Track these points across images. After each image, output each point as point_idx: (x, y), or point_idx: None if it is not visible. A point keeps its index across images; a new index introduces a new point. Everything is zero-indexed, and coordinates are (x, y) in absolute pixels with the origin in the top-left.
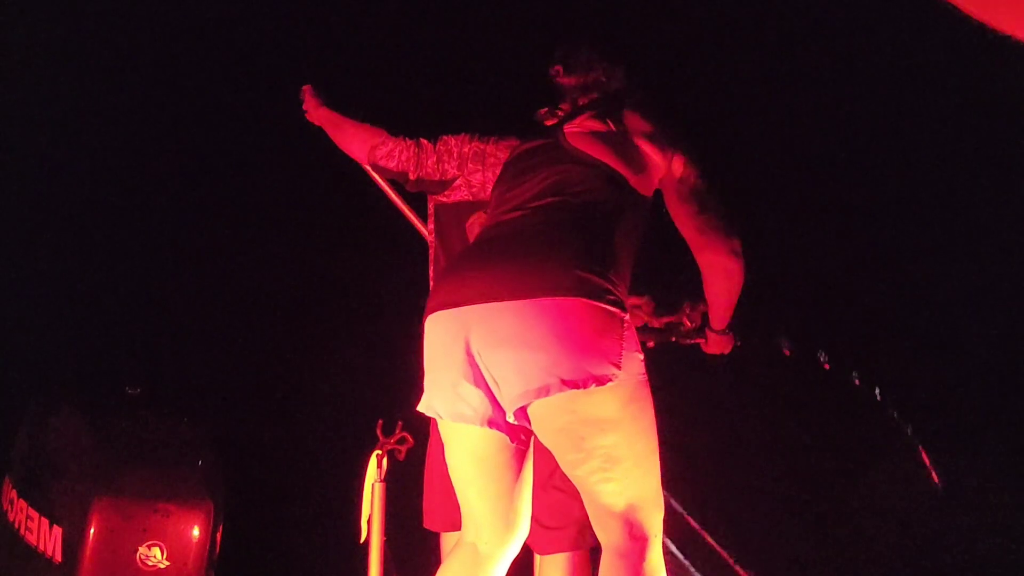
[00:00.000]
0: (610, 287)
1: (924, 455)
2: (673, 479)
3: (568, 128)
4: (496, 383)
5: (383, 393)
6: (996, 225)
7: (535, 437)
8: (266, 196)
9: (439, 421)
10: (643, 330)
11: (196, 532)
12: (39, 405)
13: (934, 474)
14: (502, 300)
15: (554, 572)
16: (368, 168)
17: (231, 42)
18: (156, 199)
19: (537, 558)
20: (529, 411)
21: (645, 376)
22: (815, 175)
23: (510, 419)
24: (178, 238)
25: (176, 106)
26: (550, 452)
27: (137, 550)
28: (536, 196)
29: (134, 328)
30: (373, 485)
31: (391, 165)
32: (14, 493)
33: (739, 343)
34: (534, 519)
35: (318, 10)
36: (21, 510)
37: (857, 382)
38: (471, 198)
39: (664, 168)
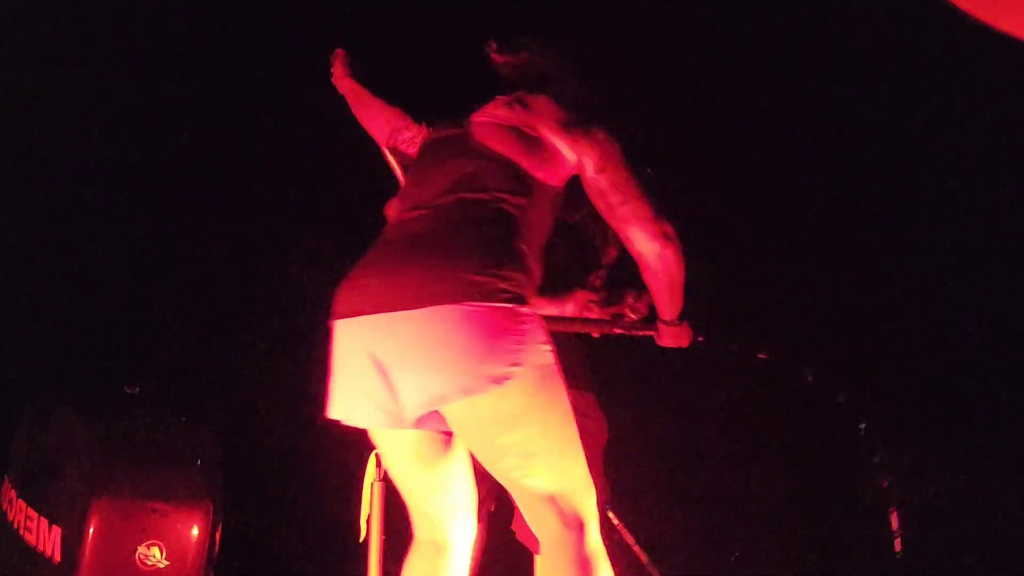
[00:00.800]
0: (504, 284)
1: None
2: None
3: (476, 118)
4: (399, 392)
5: None
6: (996, 225)
7: None
8: (266, 194)
9: (369, 430)
10: (587, 321)
11: (195, 531)
12: (38, 405)
13: (894, 518)
14: (398, 309)
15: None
16: (385, 150)
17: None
18: (155, 198)
19: (538, 558)
20: (440, 411)
21: (553, 366)
22: (812, 175)
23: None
24: (177, 237)
25: (177, 101)
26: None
27: (136, 550)
28: (438, 194)
29: (133, 328)
30: (372, 484)
31: (411, 151)
32: (13, 493)
33: (700, 338)
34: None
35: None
36: (20, 510)
37: (841, 400)
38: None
39: (575, 160)
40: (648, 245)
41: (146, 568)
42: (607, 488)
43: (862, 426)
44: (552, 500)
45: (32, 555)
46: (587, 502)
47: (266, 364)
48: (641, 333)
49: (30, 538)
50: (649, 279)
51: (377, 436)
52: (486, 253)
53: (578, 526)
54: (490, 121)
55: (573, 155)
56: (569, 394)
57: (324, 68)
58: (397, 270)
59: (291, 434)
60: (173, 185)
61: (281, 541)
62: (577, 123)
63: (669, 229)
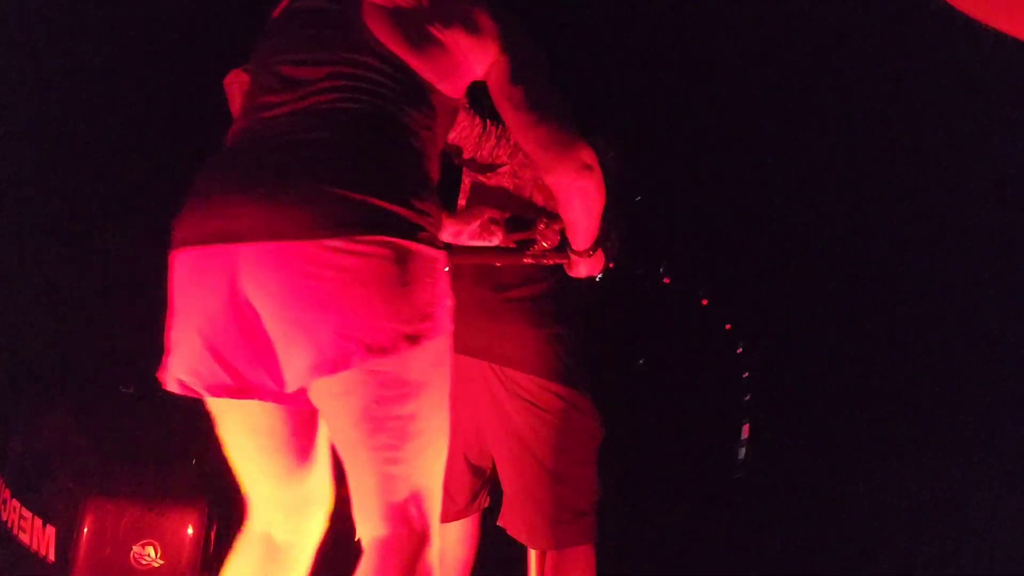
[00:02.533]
0: (421, 220)
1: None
2: None
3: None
4: (279, 348)
5: None
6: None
7: None
8: None
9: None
10: (491, 250)
11: (190, 530)
12: (32, 404)
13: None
14: (285, 240)
15: (558, 568)
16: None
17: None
18: (149, 196)
19: (532, 553)
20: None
21: (452, 330)
22: (810, 175)
23: (289, 390)
24: (170, 235)
25: (172, 100)
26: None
27: (131, 549)
28: (317, 91)
29: (127, 326)
30: None
31: (448, 136)
32: (7, 493)
33: (611, 265)
34: (536, 512)
35: None
36: (14, 510)
37: (704, 302)
38: (513, 188)
39: (482, 68)
40: (568, 176)
41: (141, 567)
42: (599, 491)
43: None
44: (406, 497)
45: (26, 555)
46: (436, 507)
47: None
48: (551, 262)
49: (24, 538)
50: (566, 209)
51: (219, 406)
52: (398, 178)
53: (424, 534)
54: (387, 5)
55: (482, 60)
56: (567, 394)
57: None
58: (277, 185)
59: None
60: (169, 181)
61: None
62: (487, 20)
63: (590, 158)
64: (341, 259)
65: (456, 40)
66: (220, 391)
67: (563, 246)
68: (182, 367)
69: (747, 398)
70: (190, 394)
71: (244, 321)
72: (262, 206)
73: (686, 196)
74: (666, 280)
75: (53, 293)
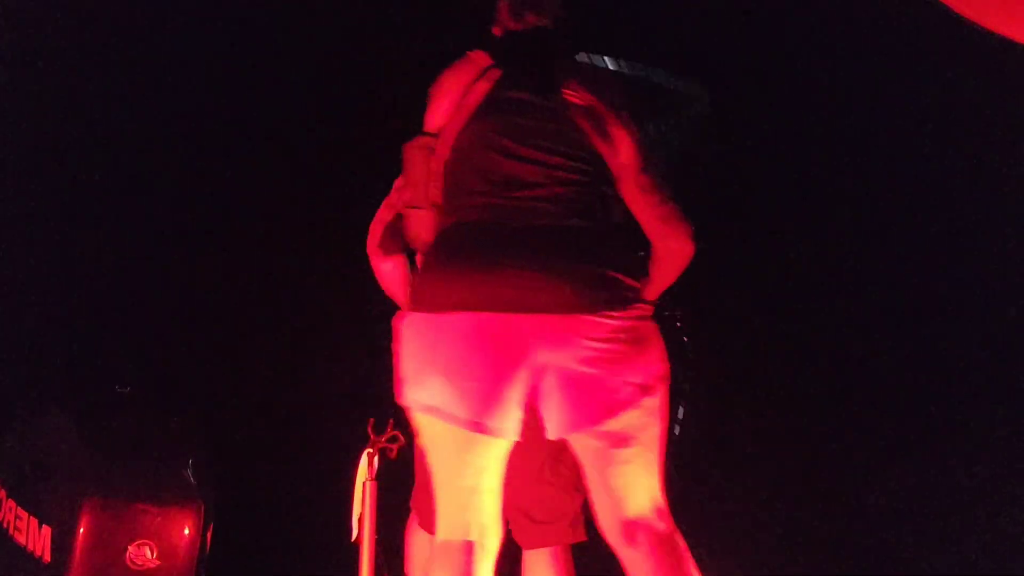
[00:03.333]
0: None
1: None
2: None
3: (569, 95)
4: (562, 397)
5: (374, 391)
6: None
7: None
8: (256, 192)
9: (451, 428)
10: None
11: (186, 531)
12: (28, 404)
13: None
14: (579, 313)
15: (540, 566)
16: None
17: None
18: (145, 196)
19: (526, 553)
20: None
21: None
22: (805, 176)
23: (552, 436)
24: (167, 235)
25: (165, 103)
26: (538, 447)
27: (127, 549)
28: (555, 180)
29: (124, 327)
30: (364, 483)
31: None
32: (3, 493)
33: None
34: (524, 514)
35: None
36: (10, 510)
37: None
38: None
39: (627, 153)
40: (680, 245)
41: (136, 568)
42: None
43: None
44: (656, 495)
45: (22, 555)
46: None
47: (258, 364)
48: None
49: (20, 538)
50: (665, 269)
51: (466, 439)
52: (628, 256)
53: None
54: (582, 104)
55: (629, 149)
56: None
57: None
58: (565, 269)
59: (283, 433)
60: (162, 185)
61: (272, 541)
62: (631, 111)
63: (693, 230)
64: (620, 326)
65: (619, 133)
66: (494, 434)
67: None
68: (463, 408)
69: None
70: (440, 418)
71: (526, 375)
72: (556, 284)
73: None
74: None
75: (49, 292)
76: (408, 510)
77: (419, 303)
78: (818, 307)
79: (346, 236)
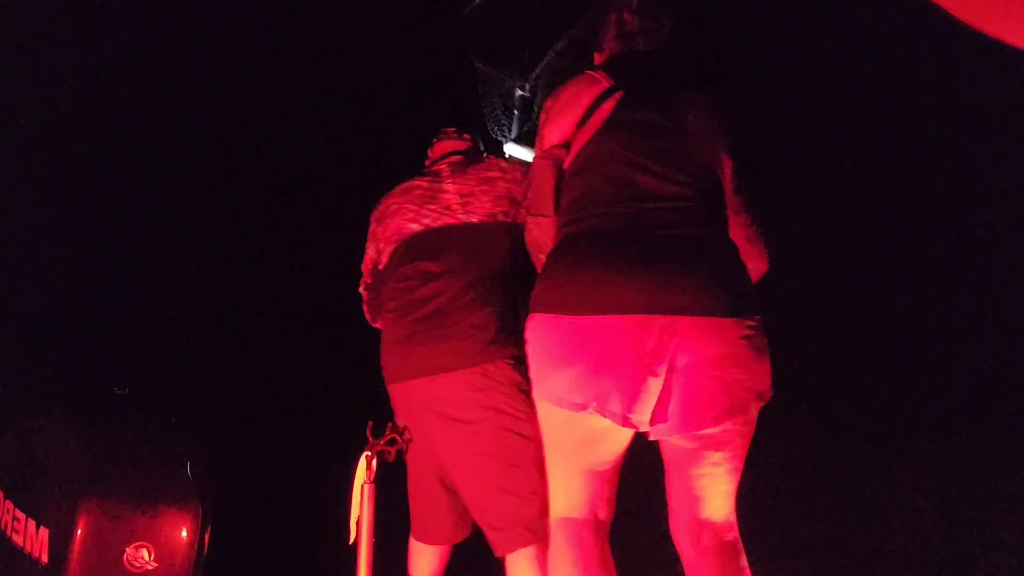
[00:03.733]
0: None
1: None
2: None
3: (688, 118)
4: (688, 396)
5: (373, 395)
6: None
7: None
8: (255, 196)
9: (581, 415)
10: None
11: (184, 533)
12: (26, 406)
13: None
14: (718, 316)
15: (521, 567)
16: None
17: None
18: (143, 200)
19: (507, 557)
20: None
21: None
22: (801, 178)
23: (661, 435)
24: (166, 239)
25: (159, 102)
26: (495, 457)
27: (124, 551)
28: (684, 196)
29: (122, 329)
30: (363, 487)
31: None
32: (0, 494)
33: None
34: (486, 523)
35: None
36: (7, 511)
37: None
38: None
39: (727, 174)
40: (757, 262)
41: (134, 570)
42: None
43: None
44: (730, 501)
45: (19, 557)
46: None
47: (256, 366)
48: None
49: (17, 540)
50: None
51: (601, 426)
52: (746, 270)
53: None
54: (699, 126)
55: (728, 171)
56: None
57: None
58: (707, 275)
59: (281, 436)
60: (160, 187)
61: (270, 543)
62: (733, 136)
63: (770, 251)
64: (748, 333)
65: (724, 156)
66: (631, 425)
67: None
68: (611, 402)
69: None
70: (574, 409)
71: (665, 374)
72: (700, 289)
73: None
74: None
75: (47, 294)
76: (405, 514)
77: (554, 306)
78: (818, 306)
79: (344, 237)
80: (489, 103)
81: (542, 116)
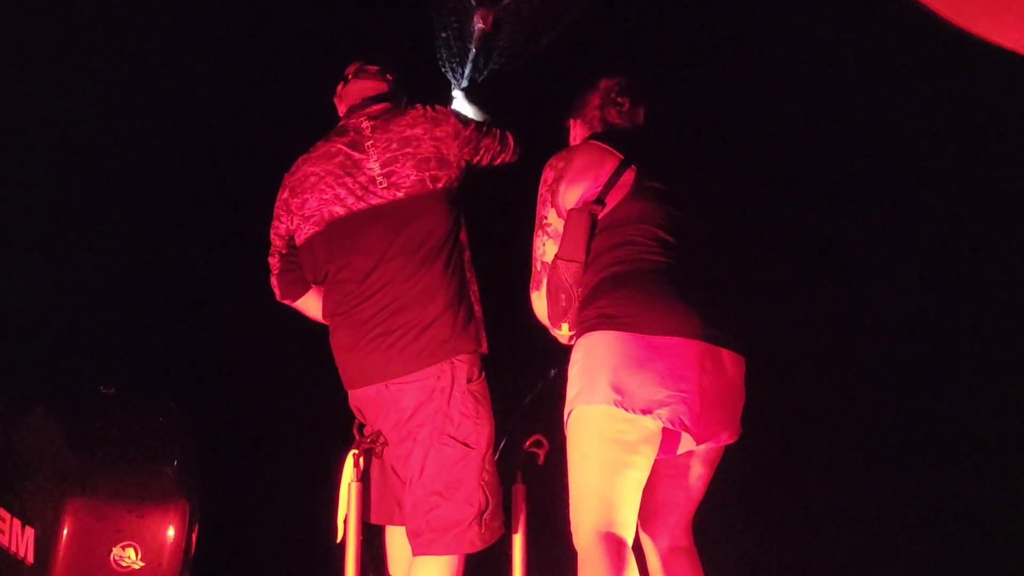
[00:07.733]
0: None
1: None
2: None
3: (694, 181)
4: (712, 420)
5: None
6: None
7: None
8: (243, 191)
9: (635, 417)
10: None
11: (171, 532)
12: (11, 404)
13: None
14: (738, 352)
15: (430, 572)
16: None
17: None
18: (129, 195)
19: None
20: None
21: None
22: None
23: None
24: (152, 234)
25: (154, 101)
26: (437, 461)
27: (111, 551)
28: (707, 244)
29: (108, 326)
30: (349, 485)
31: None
32: None
33: None
34: (415, 524)
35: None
36: None
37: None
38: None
39: None
40: None
41: (121, 569)
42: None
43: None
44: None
45: (4, 557)
46: None
47: (244, 363)
48: None
49: (3, 539)
50: None
51: (654, 441)
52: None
53: None
54: (703, 187)
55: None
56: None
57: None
58: (732, 313)
59: (268, 434)
60: (149, 183)
61: (258, 542)
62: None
63: None
64: (744, 365)
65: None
66: (678, 422)
67: None
68: (686, 414)
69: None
70: (633, 410)
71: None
72: (729, 326)
73: None
74: None
75: (33, 291)
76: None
77: (626, 326)
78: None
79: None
80: (442, 32)
81: (551, 172)
